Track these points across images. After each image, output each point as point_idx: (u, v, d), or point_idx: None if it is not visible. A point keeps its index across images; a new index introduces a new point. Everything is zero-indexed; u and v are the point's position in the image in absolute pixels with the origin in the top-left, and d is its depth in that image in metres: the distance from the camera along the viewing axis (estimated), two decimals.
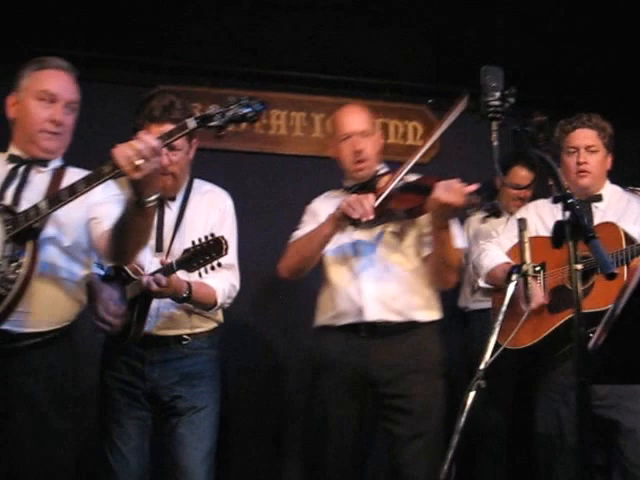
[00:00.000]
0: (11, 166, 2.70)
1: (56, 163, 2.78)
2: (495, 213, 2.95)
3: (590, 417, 2.01)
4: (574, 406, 3.15)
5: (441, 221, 2.96)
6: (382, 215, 3.06)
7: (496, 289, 3.55)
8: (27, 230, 2.46)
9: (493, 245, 3.64)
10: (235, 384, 4.26)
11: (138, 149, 2.18)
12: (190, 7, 4.17)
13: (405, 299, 3.16)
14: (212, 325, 3.23)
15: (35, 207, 2.45)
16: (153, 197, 2.31)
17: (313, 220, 3.32)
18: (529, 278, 2.63)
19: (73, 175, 2.69)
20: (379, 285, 3.15)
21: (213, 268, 2.81)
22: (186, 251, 2.80)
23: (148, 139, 2.21)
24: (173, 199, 3.19)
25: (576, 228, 2.01)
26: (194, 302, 3.06)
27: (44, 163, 2.73)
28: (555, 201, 2.08)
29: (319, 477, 3.28)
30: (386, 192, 3.02)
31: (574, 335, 1.99)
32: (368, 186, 3.21)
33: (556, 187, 2.14)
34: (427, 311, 3.21)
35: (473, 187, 2.87)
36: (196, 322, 3.18)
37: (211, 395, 3.19)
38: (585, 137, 3.44)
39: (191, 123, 2.32)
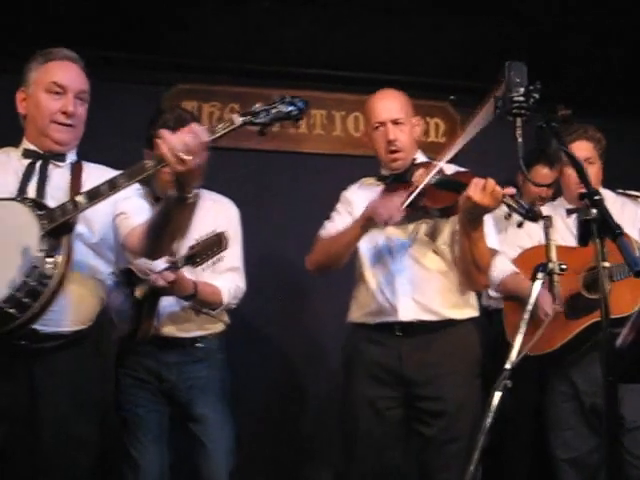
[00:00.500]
0: (27, 161, 2.67)
1: (72, 157, 2.76)
2: (533, 217, 2.89)
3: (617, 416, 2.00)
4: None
5: (472, 220, 2.86)
6: (415, 212, 2.98)
7: (506, 298, 3.61)
8: (63, 225, 2.41)
9: (499, 256, 3.58)
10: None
11: (185, 142, 2.14)
12: (208, 5, 4.16)
13: (440, 298, 3.08)
14: (221, 327, 3.38)
15: (73, 201, 2.40)
16: (193, 192, 2.28)
17: (346, 210, 3.26)
18: (554, 276, 2.59)
19: (91, 170, 2.72)
20: (413, 284, 3.07)
21: (214, 264, 3.13)
22: (191, 247, 3.02)
23: (197, 132, 2.17)
24: None
25: (603, 226, 1.98)
26: (200, 300, 3.20)
27: (61, 158, 2.71)
28: (581, 198, 2.05)
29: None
30: (416, 192, 2.91)
31: (602, 335, 1.96)
32: (403, 178, 3.11)
33: (583, 184, 2.11)
34: (463, 309, 3.13)
35: (509, 190, 2.78)
36: (206, 323, 3.32)
37: (222, 401, 3.35)
38: (583, 149, 3.50)
39: (237, 120, 2.31)
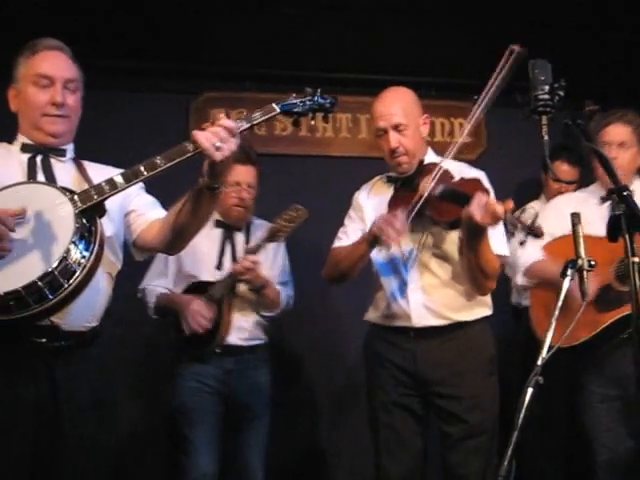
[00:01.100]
0: (27, 156, 2.56)
1: (71, 153, 2.67)
2: (535, 234, 2.90)
3: None
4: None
5: (474, 233, 2.87)
6: (423, 221, 3.04)
7: (534, 286, 3.57)
8: (97, 206, 2.32)
9: (528, 242, 3.60)
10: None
11: (218, 132, 2.21)
12: (233, 13, 4.19)
13: (451, 303, 3.12)
14: (266, 338, 3.74)
15: (110, 181, 2.33)
16: (223, 183, 2.36)
17: (358, 217, 3.30)
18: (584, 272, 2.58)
19: (93, 167, 2.66)
20: (424, 291, 3.12)
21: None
22: (271, 227, 3.50)
23: (227, 122, 2.24)
24: (240, 229, 3.75)
25: (632, 220, 1.99)
26: (266, 296, 3.61)
27: (61, 153, 2.61)
28: (610, 193, 2.06)
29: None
30: (419, 204, 2.93)
31: (633, 327, 1.97)
32: (411, 184, 3.09)
33: (611, 180, 2.11)
34: (474, 309, 3.15)
35: (510, 205, 2.76)
36: (260, 334, 3.69)
37: (268, 405, 3.70)
38: (619, 133, 3.43)
39: (275, 108, 2.37)
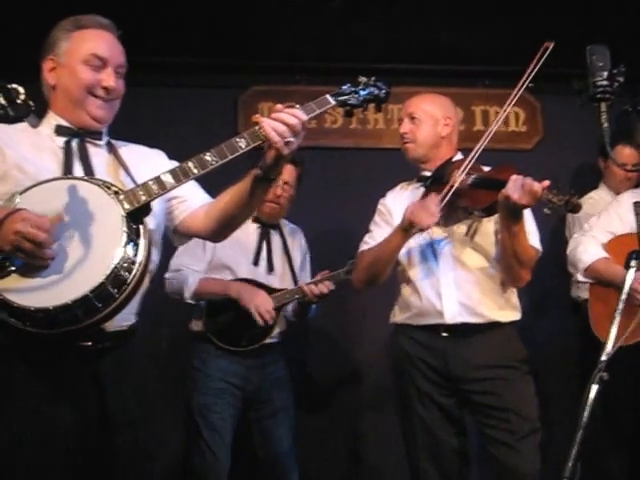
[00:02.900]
0: (62, 140, 2.36)
1: (106, 138, 2.49)
2: (573, 209, 2.82)
3: None
4: None
5: (511, 215, 2.88)
6: (456, 213, 3.04)
7: (595, 283, 3.58)
8: (144, 207, 2.18)
9: (589, 239, 3.62)
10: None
11: (291, 124, 2.15)
12: (279, 5, 4.15)
13: (485, 301, 3.09)
14: (280, 337, 3.75)
15: (158, 180, 2.19)
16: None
17: (384, 221, 3.31)
18: None
19: (125, 148, 2.50)
20: (458, 286, 3.10)
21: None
22: (352, 262, 3.49)
23: (299, 113, 2.17)
24: (274, 227, 3.81)
25: None
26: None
27: (98, 136, 2.43)
28: None
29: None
30: (451, 190, 2.96)
31: None
32: (440, 178, 3.13)
33: None
34: (508, 311, 3.14)
35: (545, 183, 2.77)
36: (279, 329, 3.71)
37: (291, 397, 3.74)
38: None
39: (330, 100, 2.31)
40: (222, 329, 3.57)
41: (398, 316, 3.25)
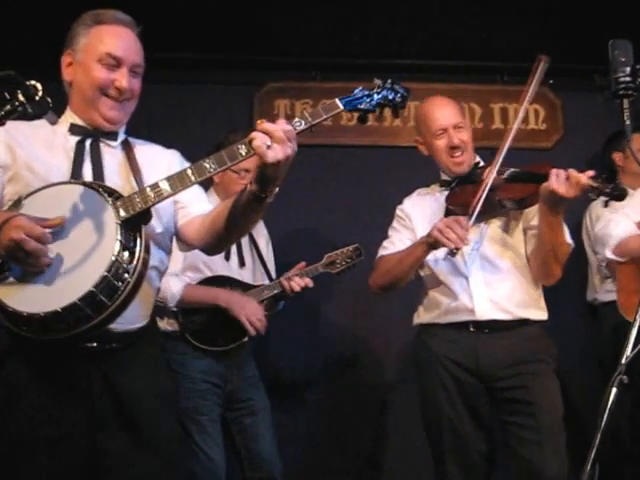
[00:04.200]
0: (75, 139, 2.35)
1: (122, 137, 2.45)
2: (618, 196, 2.77)
3: None
4: None
5: (554, 209, 2.84)
6: (489, 207, 2.98)
7: (624, 262, 3.50)
8: (142, 214, 2.15)
9: (621, 216, 3.54)
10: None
11: (270, 130, 2.02)
12: (295, 2, 4.13)
13: (515, 298, 3.07)
14: None
15: (155, 187, 2.14)
16: (274, 192, 2.14)
17: (403, 226, 3.27)
18: None
19: (142, 148, 2.46)
20: (489, 285, 3.06)
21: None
22: (329, 256, 3.69)
23: (284, 125, 2.05)
24: None
25: None
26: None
27: (113, 137, 2.40)
28: None
29: None
30: (485, 192, 2.91)
31: None
32: (469, 179, 3.12)
33: None
34: (536, 310, 3.11)
35: (590, 173, 2.73)
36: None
37: (266, 394, 3.70)
38: None
39: (339, 105, 2.18)
40: (199, 329, 3.50)
41: (423, 316, 3.21)
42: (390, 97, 2.26)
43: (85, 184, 2.19)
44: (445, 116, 3.17)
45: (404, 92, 2.29)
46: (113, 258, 2.04)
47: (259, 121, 2.09)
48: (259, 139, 2.02)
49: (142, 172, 2.35)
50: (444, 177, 3.25)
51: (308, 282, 3.61)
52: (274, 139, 2.02)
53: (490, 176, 2.95)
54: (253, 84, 4.65)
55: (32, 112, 1.89)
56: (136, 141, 2.48)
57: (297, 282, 3.59)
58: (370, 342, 4.54)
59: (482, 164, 3.22)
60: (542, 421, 2.94)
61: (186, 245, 2.52)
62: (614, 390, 2.12)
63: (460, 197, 3.09)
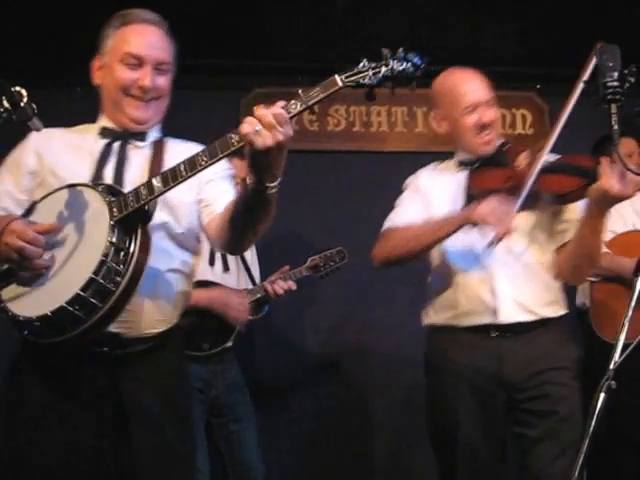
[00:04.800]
0: (104, 141, 2.34)
1: (154, 135, 2.43)
2: None
3: None
4: None
5: (602, 210, 2.60)
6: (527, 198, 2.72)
7: (598, 280, 3.51)
8: (137, 213, 2.09)
9: None
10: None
11: (259, 115, 1.90)
12: (281, 5, 4.13)
13: (537, 296, 2.84)
14: None
15: (148, 185, 2.08)
16: (275, 183, 1.99)
17: (418, 197, 3.00)
18: None
19: (175, 147, 2.41)
20: (515, 283, 2.82)
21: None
22: (313, 259, 3.75)
23: (274, 109, 1.91)
24: None
25: None
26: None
27: (142, 137, 2.38)
28: None
29: None
30: (530, 182, 2.66)
31: None
32: (497, 161, 2.87)
33: None
34: (556, 306, 2.89)
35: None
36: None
37: (250, 399, 3.71)
38: None
39: (337, 82, 1.98)
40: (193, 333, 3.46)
41: (435, 316, 2.95)
42: (399, 69, 2.03)
43: (88, 185, 2.19)
44: (475, 90, 2.91)
45: (418, 61, 2.05)
46: (102, 259, 2.02)
47: (256, 107, 1.96)
48: (247, 125, 1.90)
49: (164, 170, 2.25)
50: (463, 156, 3.00)
51: (291, 285, 3.61)
52: (263, 124, 1.88)
53: (540, 161, 2.69)
54: (239, 89, 4.64)
55: (17, 118, 1.91)
56: (172, 140, 2.47)
57: (280, 285, 3.59)
58: (354, 346, 4.53)
59: (509, 145, 2.97)
60: (563, 436, 2.73)
61: (215, 245, 2.48)
62: (602, 395, 2.11)
63: (487, 182, 2.83)
